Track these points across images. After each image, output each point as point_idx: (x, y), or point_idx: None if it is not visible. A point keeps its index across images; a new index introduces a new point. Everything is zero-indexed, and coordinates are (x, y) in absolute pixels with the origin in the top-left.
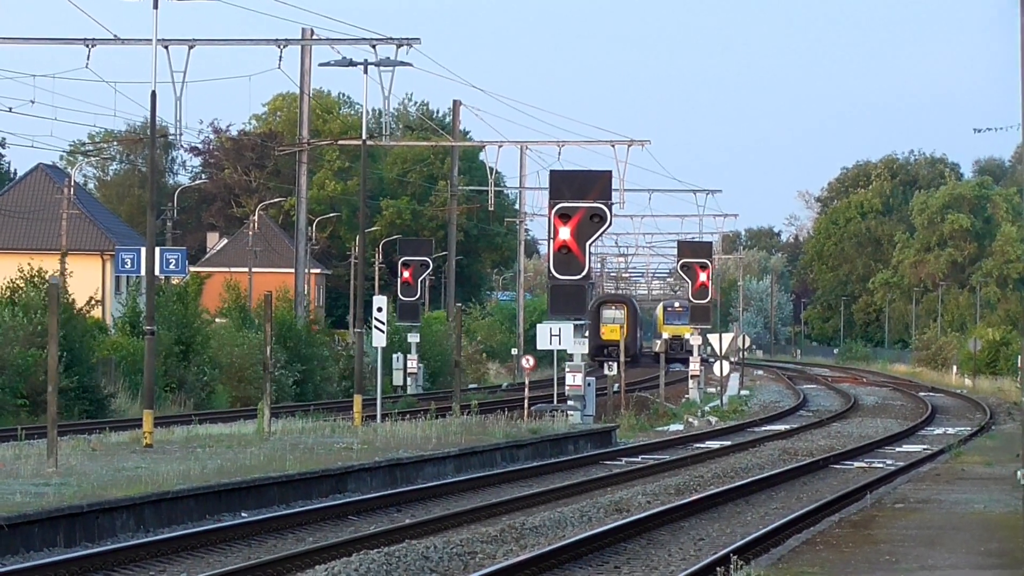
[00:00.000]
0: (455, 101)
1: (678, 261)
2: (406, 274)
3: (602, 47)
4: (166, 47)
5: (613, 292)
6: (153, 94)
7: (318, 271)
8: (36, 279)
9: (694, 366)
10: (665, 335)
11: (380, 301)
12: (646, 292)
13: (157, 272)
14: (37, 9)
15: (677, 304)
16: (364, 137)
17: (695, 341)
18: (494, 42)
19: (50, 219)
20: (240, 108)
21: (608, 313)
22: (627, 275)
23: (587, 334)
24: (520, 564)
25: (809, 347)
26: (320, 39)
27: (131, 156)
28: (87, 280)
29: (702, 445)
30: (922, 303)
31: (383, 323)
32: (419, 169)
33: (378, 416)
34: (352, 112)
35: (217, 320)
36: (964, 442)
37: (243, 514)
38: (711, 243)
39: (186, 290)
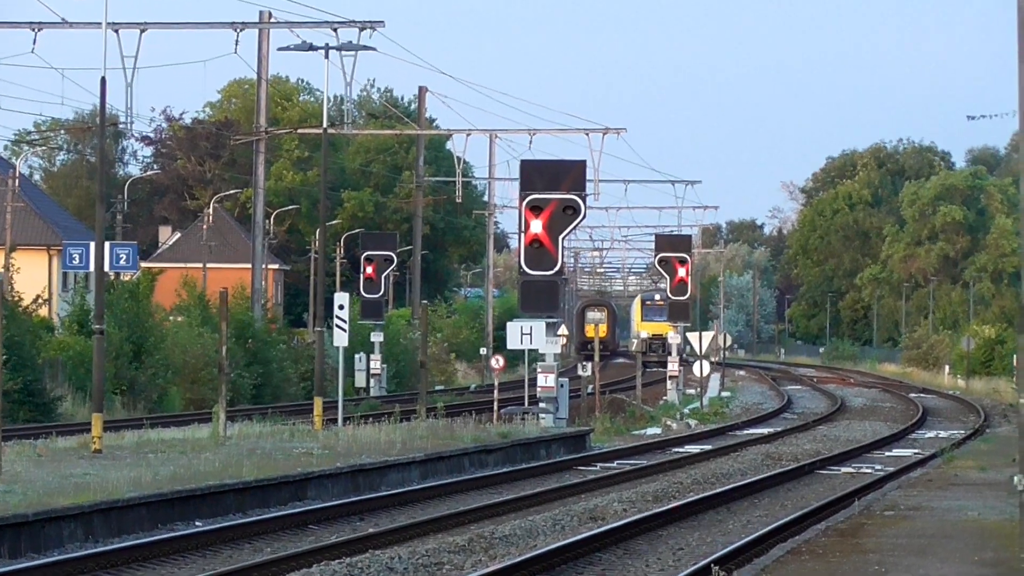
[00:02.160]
0: (421, 87)
1: (656, 255)
2: (369, 270)
3: (575, 31)
4: (116, 31)
5: (596, 296)
6: (103, 80)
7: (276, 267)
8: None
9: (673, 366)
10: (643, 333)
11: (342, 298)
12: (622, 288)
13: (107, 268)
14: None
15: (658, 296)
16: (325, 125)
17: (675, 340)
18: (462, 26)
19: None
20: (194, 95)
21: (591, 315)
22: (602, 270)
23: (561, 331)
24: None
25: (793, 346)
26: (278, 22)
27: (79, 146)
28: (33, 277)
29: (681, 450)
30: (912, 299)
31: (345, 321)
32: (383, 159)
33: (340, 419)
34: (312, 99)
35: (171, 318)
36: (957, 446)
37: (197, 523)
38: (690, 236)
39: (137, 287)
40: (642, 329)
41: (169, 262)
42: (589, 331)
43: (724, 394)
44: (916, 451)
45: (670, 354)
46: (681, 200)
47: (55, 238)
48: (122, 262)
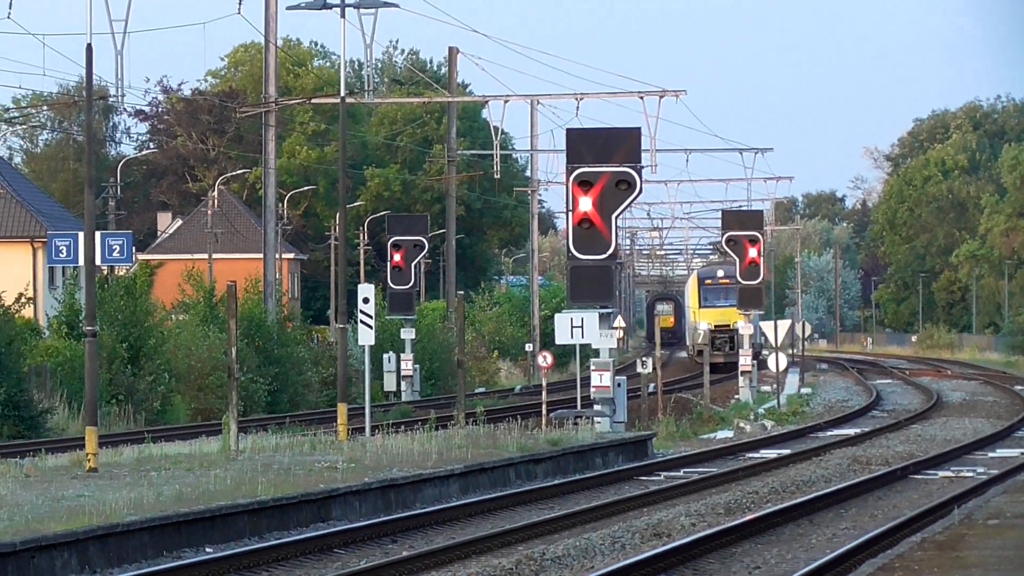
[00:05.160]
0: (451, 49)
1: (723, 234)
2: (397, 257)
3: None
4: None
5: (664, 291)
6: (89, 48)
7: (291, 256)
8: None
9: (745, 360)
10: (703, 324)
11: (367, 290)
12: (686, 272)
13: (98, 261)
14: None
15: (721, 273)
16: (343, 94)
17: (746, 331)
18: None
19: None
20: (194, 63)
21: (660, 307)
22: (662, 252)
23: (617, 323)
24: None
25: (882, 334)
26: None
27: (64, 123)
28: (15, 272)
29: (756, 455)
30: (1016, 279)
31: (371, 317)
32: (410, 131)
33: (367, 428)
34: (328, 64)
35: (173, 317)
36: None
37: (207, 549)
38: (762, 212)
39: (134, 282)
40: (701, 319)
41: (169, 253)
42: (659, 323)
43: (804, 391)
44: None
45: (741, 347)
46: (751, 171)
47: (39, 228)
48: (115, 254)
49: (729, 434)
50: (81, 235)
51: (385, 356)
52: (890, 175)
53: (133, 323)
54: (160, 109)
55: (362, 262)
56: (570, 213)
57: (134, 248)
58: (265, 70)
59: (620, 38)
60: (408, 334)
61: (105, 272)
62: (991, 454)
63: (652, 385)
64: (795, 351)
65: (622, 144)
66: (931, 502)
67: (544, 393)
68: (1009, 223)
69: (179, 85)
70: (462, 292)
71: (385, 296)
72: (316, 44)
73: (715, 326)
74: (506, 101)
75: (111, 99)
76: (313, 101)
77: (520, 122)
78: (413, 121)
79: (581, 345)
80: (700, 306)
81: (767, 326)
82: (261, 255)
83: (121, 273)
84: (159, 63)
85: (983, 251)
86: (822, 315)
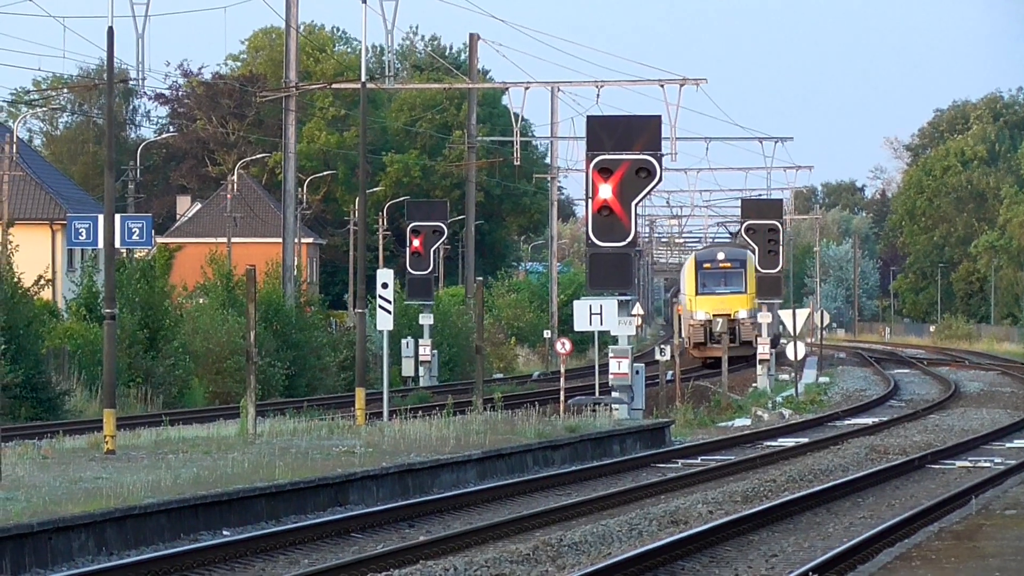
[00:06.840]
0: (472, 35)
1: (742, 223)
2: (416, 243)
3: None
4: None
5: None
6: (110, 31)
7: (310, 240)
8: None
9: (763, 349)
10: (700, 313)
11: (385, 275)
12: None
13: (118, 244)
14: None
15: (722, 256)
16: (363, 79)
17: (764, 319)
18: None
19: None
20: (214, 47)
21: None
22: (681, 240)
23: (636, 311)
24: None
25: (900, 324)
26: None
27: (85, 106)
28: (34, 255)
29: (773, 443)
30: None
31: (389, 302)
32: (430, 117)
33: (385, 413)
34: (349, 50)
35: (192, 299)
36: None
37: (225, 532)
38: (781, 201)
39: (152, 265)
40: (699, 307)
41: (188, 236)
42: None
43: (822, 379)
44: None
45: (759, 335)
46: (770, 160)
47: (58, 211)
48: (135, 237)
49: (747, 422)
50: (101, 218)
51: (403, 341)
52: (910, 165)
53: (151, 306)
54: (180, 93)
55: (381, 247)
56: (590, 200)
57: (153, 231)
58: (286, 55)
59: (641, 26)
60: (426, 320)
61: (124, 255)
62: (1008, 444)
63: (670, 372)
64: (813, 340)
65: (642, 132)
66: (948, 492)
67: (562, 380)
68: None
69: (199, 69)
70: (481, 278)
71: (404, 281)
72: (337, 29)
73: (713, 314)
74: (527, 88)
75: (132, 82)
76: (333, 86)
77: (540, 109)
78: (433, 107)
79: (600, 332)
80: (697, 292)
81: (786, 315)
82: (280, 239)
83: (140, 255)
84: (180, 47)
85: (1002, 242)
86: (840, 304)
